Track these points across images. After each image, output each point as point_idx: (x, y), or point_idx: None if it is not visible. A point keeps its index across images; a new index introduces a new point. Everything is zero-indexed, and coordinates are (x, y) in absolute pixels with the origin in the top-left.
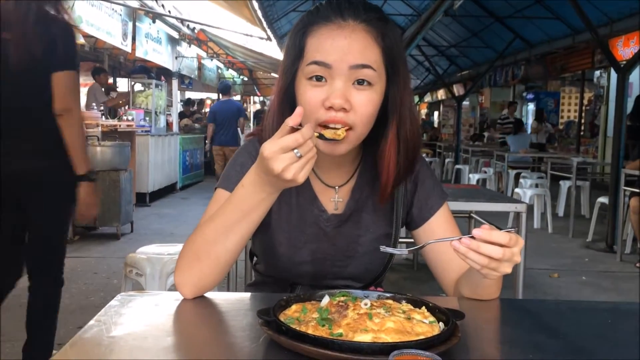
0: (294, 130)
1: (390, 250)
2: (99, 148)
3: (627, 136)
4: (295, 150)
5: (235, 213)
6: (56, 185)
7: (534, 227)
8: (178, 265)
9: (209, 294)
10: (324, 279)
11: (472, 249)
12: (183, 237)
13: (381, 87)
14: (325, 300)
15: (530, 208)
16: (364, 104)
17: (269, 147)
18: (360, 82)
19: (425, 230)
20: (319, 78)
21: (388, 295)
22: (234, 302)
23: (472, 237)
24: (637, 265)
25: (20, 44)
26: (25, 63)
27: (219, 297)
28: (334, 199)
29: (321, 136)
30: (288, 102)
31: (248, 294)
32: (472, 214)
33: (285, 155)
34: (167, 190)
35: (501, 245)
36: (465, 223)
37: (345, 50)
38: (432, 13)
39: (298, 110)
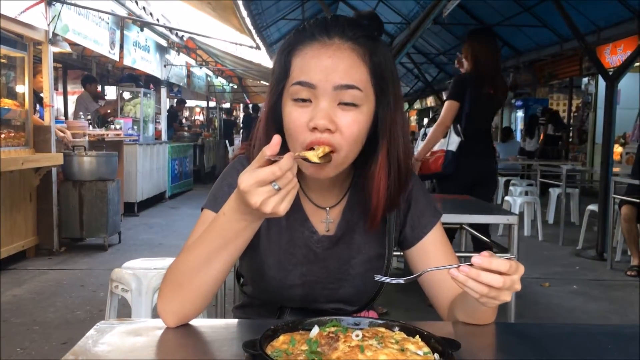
0: (272, 161)
1: (385, 279)
2: (85, 158)
3: (545, 142)
4: (273, 183)
5: (216, 241)
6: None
7: (524, 235)
8: (160, 293)
9: (193, 322)
10: (314, 303)
11: (471, 277)
12: (172, 247)
13: (369, 108)
14: (315, 330)
15: (520, 216)
16: (350, 125)
17: (245, 180)
18: (345, 102)
19: (418, 250)
20: (304, 99)
21: (380, 322)
22: (220, 330)
23: (471, 265)
24: (628, 273)
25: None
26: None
27: (204, 325)
28: (325, 220)
29: (306, 159)
30: (274, 121)
31: (234, 321)
32: (463, 225)
33: (263, 188)
34: (156, 200)
35: (501, 273)
36: (457, 234)
37: (329, 69)
38: (421, 21)
39: (275, 139)
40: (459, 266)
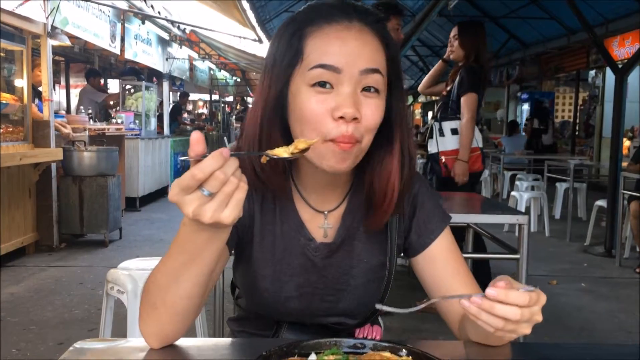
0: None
1: (387, 308)
2: (85, 153)
3: (531, 134)
4: (202, 189)
5: (181, 255)
6: None
7: (530, 231)
8: (140, 312)
9: (180, 341)
10: (312, 316)
11: (484, 309)
12: None
13: (385, 96)
14: (312, 359)
15: (526, 211)
16: (372, 114)
17: (172, 189)
18: (367, 88)
19: (425, 258)
20: (323, 84)
21: (385, 344)
22: (208, 351)
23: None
24: (637, 270)
25: None
26: None
27: (192, 345)
28: (322, 226)
29: (276, 157)
30: (278, 113)
31: (226, 340)
32: (470, 224)
33: (190, 196)
34: (158, 194)
35: (519, 306)
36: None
37: (356, 52)
38: (426, 14)
39: (194, 135)
40: (470, 297)
